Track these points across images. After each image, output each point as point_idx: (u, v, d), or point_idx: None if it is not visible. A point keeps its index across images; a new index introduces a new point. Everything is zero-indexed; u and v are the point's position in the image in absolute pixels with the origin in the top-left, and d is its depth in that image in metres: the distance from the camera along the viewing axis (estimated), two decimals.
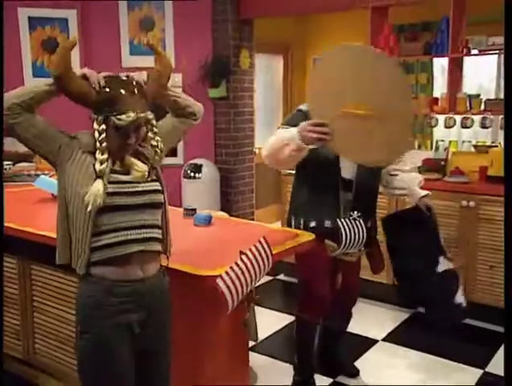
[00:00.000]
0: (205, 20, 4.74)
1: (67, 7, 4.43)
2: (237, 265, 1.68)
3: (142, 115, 1.55)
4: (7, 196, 3.05)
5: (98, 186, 1.51)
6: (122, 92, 1.53)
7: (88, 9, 4.51)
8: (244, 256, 1.70)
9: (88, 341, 1.59)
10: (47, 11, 4.44)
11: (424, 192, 2.54)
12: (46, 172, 3.43)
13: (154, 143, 1.65)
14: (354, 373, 2.83)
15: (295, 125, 2.26)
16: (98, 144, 1.54)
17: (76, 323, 1.64)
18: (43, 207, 2.81)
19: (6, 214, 2.43)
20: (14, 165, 3.76)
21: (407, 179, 2.56)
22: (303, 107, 2.41)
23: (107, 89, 1.54)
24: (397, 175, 2.55)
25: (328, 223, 2.38)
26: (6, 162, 3.70)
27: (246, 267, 1.69)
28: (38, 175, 3.41)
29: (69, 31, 4.48)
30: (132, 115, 1.52)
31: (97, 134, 1.54)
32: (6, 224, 2.35)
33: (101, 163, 1.54)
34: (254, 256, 1.73)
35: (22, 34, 4.44)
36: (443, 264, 2.44)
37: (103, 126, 1.53)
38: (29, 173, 3.62)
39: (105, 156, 1.55)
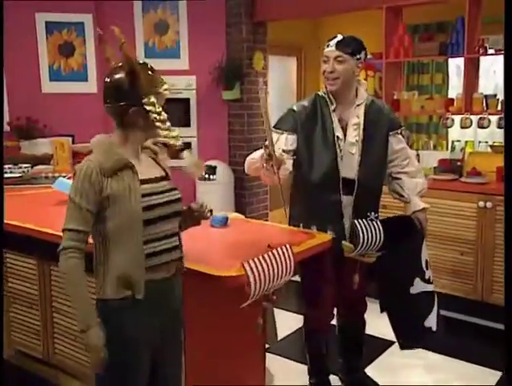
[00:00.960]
0: (219, 23, 4.77)
1: (83, 11, 4.49)
2: (264, 258, 1.69)
3: None
4: (27, 198, 3.11)
5: (190, 157, 1.59)
6: (149, 69, 1.61)
7: (103, 12, 4.57)
8: (270, 253, 1.72)
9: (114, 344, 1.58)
10: (63, 16, 4.51)
11: (421, 206, 2.40)
12: (64, 174, 3.47)
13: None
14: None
15: (286, 128, 2.29)
16: (161, 124, 1.58)
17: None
18: (62, 208, 2.82)
19: (25, 215, 2.48)
20: (32, 167, 3.81)
21: (408, 186, 2.42)
22: (295, 107, 2.37)
23: (149, 72, 1.59)
24: (399, 179, 2.44)
25: (330, 228, 2.32)
26: (24, 165, 3.75)
27: (271, 262, 1.71)
28: (56, 177, 3.45)
29: (85, 35, 4.54)
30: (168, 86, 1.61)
31: (156, 116, 1.57)
32: (25, 225, 2.39)
33: (176, 139, 1.62)
34: (280, 256, 1.74)
35: (39, 39, 4.51)
36: (418, 287, 2.31)
37: (158, 107, 1.57)
38: (47, 175, 3.66)
39: (176, 132, 1.62)
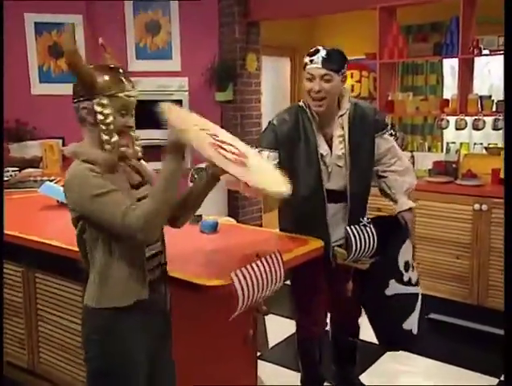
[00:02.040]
0: (212, 23, 4.71)
1: (73, 12, 4.43)
2: (252, 268, 1.64)
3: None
4: (13, 203, 3.03)
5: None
6: (122, 75, 1.56)
7: (94, 13, 4.50)
8: (259, 262, 1.66)
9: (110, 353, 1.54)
10: (53, 16, 4.44)
11: (407, 205, 2.32)
12: (52, 178, 3.40)
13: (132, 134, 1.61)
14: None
15: (267, 145, 2.23)
16: (104, 127, 1.50)
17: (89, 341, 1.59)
18: (48, 214, 2.77)
19: (11, 221, 2.41)
20: (20, 171, 3.74)
21: (394, 185, 2.34)
22: (275, 121, 2.27)
23: (109, 73, 1.55)
24: (386, 177, 2.36)
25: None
26: (12, 168, 3.68)
27: (260, 272, 1.65)
28: (43, 181, 3.39)
29: (75, 36, 4.46)
30: (136, 90, 1.55)
31: (101, 117, 1.50)
32: (10, 232, 2.32)
33: (113, 147, 1.52)
34: (269, 264, 1.69)
35: (28, 40, 4.45)
36: (394, 288, 2.23)
37: (108, 110, 1.50)
38: (35, 179, 3.60)
39: (116, 138, 1.52)
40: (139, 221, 1.42)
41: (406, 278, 2.26)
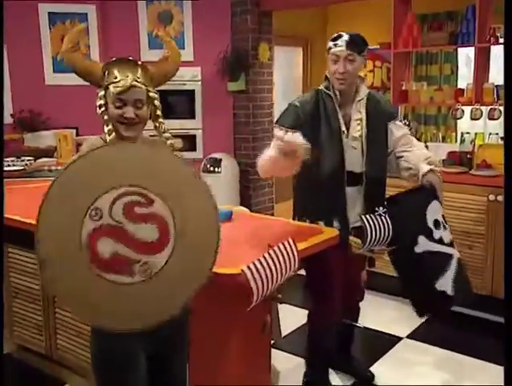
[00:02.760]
0: (224, 13, 4.69)
1: (86, 2, 4.44)
2: (265, 258, 1.64)
3: (139, 84, 1.56)
4: (29, 191, 3.07)
5: None
6: (124, 66, 1.58)
7: (107, 3, 4.50)
8: (272, 251, 1.66)
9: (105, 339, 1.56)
10: (66, 6, 4.45)
11: (428, 167, 2.32)
12: None
13: (157, 124, 1.65)
14: (368, 377, 2.74)
15: (289, 124, 2.25)
16: (101, 118, 1.58)
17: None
18: None
19: (27, 209, 2.43)
20: (35, 160, 3.77)
21: (413, 157, 2.37)
22: (297, 102, 2.35)
23: (110, 65, 1.60)
24: (403, 157, 2.40)
25: (336, 221, 2.31)
26: (26, 158, 3.72)
27: (273, 261, 1.65)
28: (58, 170, 3.42)
29: (89, 26, 4.48)
30: (128, 81, 1.54)
31: (98, 109, 1.59)
32: (28, 220, 2.35)
33: (109, 134, 1.57)
34: (282, 253, 1.69)
35: (42, 30, 4.45)
36: (423, 245, 2.20)
37: (102, 101, 1.58)
38: (50, 168, 3.63)
39: (110, 126, 1.57)
40: None
41: (436, 236, 2.24)
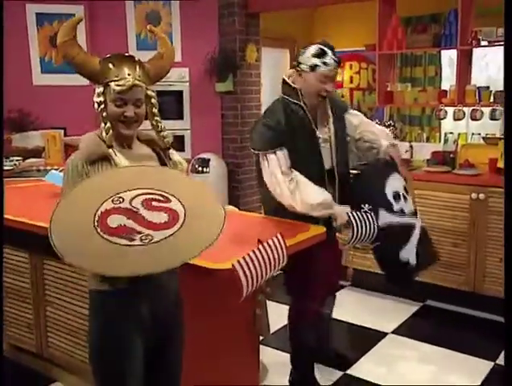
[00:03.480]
0: (212, 14, 4.73)
1: (74, 2, 4.44)
2: (254, 253, 1.68)
3: (140, 83, 1.58)
4: (19, 191, 3.08)
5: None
6: (123, 62, 1.58)
7: (95, 4, 4.52)
8: (261, 246, 1.71)
9: (101, 328, 1.59)
10: (54, 7, 4.45)
11: (388, 142, 2.43)
12: (55, 167, 3.44)
13: (154, 123, 1.68)
14: (343, 362, 2.84)
15: (272, 147, 2.26)
16: (100, 116, 1.58)
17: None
18: (54, 201, 2.80)
19: (18, 208, 2.45)
20: (23, 160, 3.77)
21: (372, 136, 2.46)
22: (268, 121, 2.31)
23: (108, 61, 1.59)
24: (365, 136, 2.48)
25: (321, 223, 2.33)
26: (15, 158, 3.72)
27: (262, 257, 1.70)
28: (47, 170, 3.43)
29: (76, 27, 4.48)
30: (131, 80, 1.55)
31: (96, 106, 1.58)
32: (18, 219, 2.37)
33: (106, 132, 1.57)
34: (271, 248, 1.73)
35: (29, 30, 4.46)
36: (385, 218, 2.28)
37: (101, 98, 1.58)
38: (38, 168, 3.64)
39: (108, 124, 1.58)
40: None
41: (396, 208, 2.32)
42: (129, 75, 1.56)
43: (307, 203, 2.22)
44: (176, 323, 1.71)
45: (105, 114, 1.58)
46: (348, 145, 2.50)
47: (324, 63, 2.23)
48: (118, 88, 1.55)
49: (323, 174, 2.37)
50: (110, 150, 1.58)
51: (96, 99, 1.59)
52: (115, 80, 1.55)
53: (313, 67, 2.24)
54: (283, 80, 2.38)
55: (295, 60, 2.37)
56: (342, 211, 2.24)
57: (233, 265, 1.64)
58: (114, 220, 1.42)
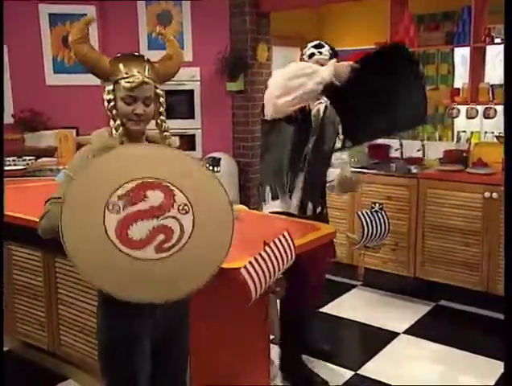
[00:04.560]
0: (223, 13, 4.73)
1: (86, 3, 4.48)
2: (261, 256, 1.67)
3: (149, 80, 1.59)
4: (31, 190, 3.11)
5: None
6: (133, 61, 1.60)
7: (106, 4, 4.54)
8: (268, 248, 1.70)
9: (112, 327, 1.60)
10: (66, 7, 4.50)
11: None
12: (68, 166, 3.47)
13: (159, 122, 1.68)
14: (327, 352, 2.87)
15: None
16: (109, 112, 1.59)
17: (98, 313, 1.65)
18: None
19: (30, 208, 2.47)
20: (36, 160, 3.81)
21: None
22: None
23: (118, 60, 1.60)
24: None
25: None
26: (28, 157, 3.75)
27: (269, 258, 1.69)
28: (59, 170, 3.46)
29: (88, 27, 4.51)
30: (140, 77, 1.57)
31: (106, 104, 1.59)
32: (31, 218, 2.39)
33: (116, 129, 1.58)
34: (278, 248, 1.72)
35: (42, 31, 4.50)
36: None
37: (111, 96, 1.59)
38: (51, 167, 3.67)
39: (118, 122, 1.59)
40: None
41: None
42: (138, 72, 1.57)
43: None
44: (182, 321, 1.72)
45: (114, 112, 1.59)
46: (330, 145, 2.58)
47: (320, 52, 2.49)
48: (128, 85, 1.56)
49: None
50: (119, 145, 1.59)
51: (105, 96, 1.60)
52: (125, 78, 1.56)
53: (310, 55, 2.51)
54: None
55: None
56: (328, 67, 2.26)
57: (240, 273, 1.63)
58: (138, 229, 1.39)
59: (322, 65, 2.39)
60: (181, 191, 1.42)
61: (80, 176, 1.42)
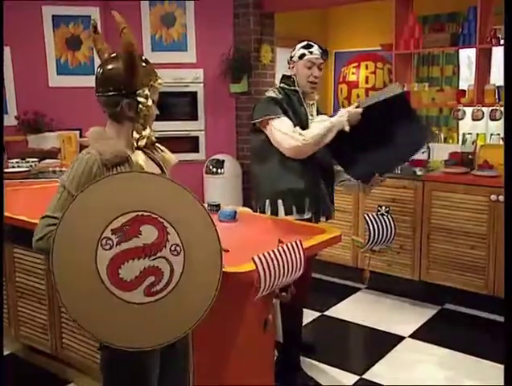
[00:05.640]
0: (227, 14, 4.72)
1: (89, 5, 4.47)
2: (274, 253, 1.66)
3: None
4: (34, 192, 3.10)
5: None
6: (143, 62, 1.59)
7: (110, 5, 4.53)
8: (281, 248, 1.69)
9: None
10: (70, 9, 4.49)
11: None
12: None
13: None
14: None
15: (279, 112, 2.42)
16: (143, 119, 1.56)
17: None
18: None
19: (32, 210, 2.46)
20: (39, 162, 3.80)
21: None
22: (272, 95, 2.53)
23: (144, 64, 1.59)
24: None
25: (309, 214, 2.48)
26: (31, 159, 3.74)
27: (281, 257, 1.68)
28: (62, 172, 3.45)
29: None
30: (160, 78, 1.59)
31: (144, 108, 1.55)
32: (34, 220, 2.37)
33: (149, 139, 1.58)
34: (290, 251, 1.71)
35: (46, 32, 4.49)
36: None
37: (150, 101, 1.55)
38: (54, 169, 3.65)
39: (148, 131, 1.57)
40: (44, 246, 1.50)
41: None
42: (158, 76, 1.60)
43: (315, 133, 2.38)
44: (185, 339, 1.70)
45: (151, 117, 1.58)
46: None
47: (310, 52, 2.52)
48: (161, 87, 1.58)
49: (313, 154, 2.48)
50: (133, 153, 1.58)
51: (145, 101, 1.54)
52: (157, 80, 1.58)
53: (301, 56, 2.53)
54: (283, 74, 2.63)
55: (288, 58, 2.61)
56: (342, 117, 2.37)
57: (252, 259, 1.62)
58: (130, 268, 1.32)
59: (313, 64, 2.48)
60: (174, 228, 1.34)
61: (76, 204, 1.35)
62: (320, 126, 2.41)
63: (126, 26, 1.51)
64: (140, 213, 1.33)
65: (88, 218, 1.34)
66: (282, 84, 2.59)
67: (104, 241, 1.31)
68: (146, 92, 1.54)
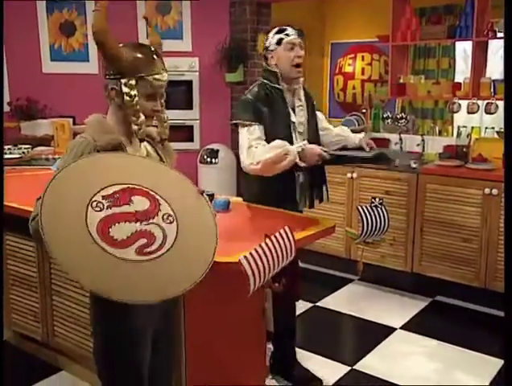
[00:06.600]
0: (223, 3, 4.68)
1: None
2: (261, 248, 1.65)
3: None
4: (26, 179, 3.07)
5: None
6: (154, 56, 1.54)
7: None
8: (268, 241, 1.67)
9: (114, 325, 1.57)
10: None
11: (361, 135, 2.64)
12: (63, 160, 3.43)
13: (163, 115, 1.63)
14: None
15: (251, 119, 2.33)
16: (129, 109, 1.51)
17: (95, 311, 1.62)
18: None
19: (24, 197, 2.44)
20: (32, 149, 3.76)
21: (338, 130, 2.67)
22: (249, 96, 2.41)
23: (139, 54, 1.52)
24: (329, 129, 2.64)
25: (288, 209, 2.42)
26: (23, 146, 3.71)
27: (270, 251, 1.66)
28: (55, 159, 3.42)
29: (86, 14, 4.46)
30: (166, 75, 1.54)
31: (128, 98, 1.50)
32: (25, 207, 2.36)
33: (140, 127, 1.53)
34: (278, 242, 1.69)
35: (39, 18, 4.44)
36: None
37: (135, 91, 1.50)
38: (47, 157, 3.62)
39: (142, 118, 1.53)
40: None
41: None
42: (163, 70, 1.53)
43: (267, 157, 2.23)
44: (176, 309, 1.72)
45: (138, 107, 1.52)
46: (318, 131, 2.59)
47: (286, 35, 2.41)
48: (158, 84, 1.52)
49: None
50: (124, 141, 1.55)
51: (128, 91, 1.50)
52: (153, 74, 1.51)
53: (278, 41, 2.41)
54: (265, 69, 2.48)
55: (263, 51, 2.50)
56: (298, 148, 2.26)
57: (239, 261, 1.61)
58: (121, 229, 1.34)
59: (294, 44, 2.37)
60: (166, 202, 1.36)
61: (65, 172, 1.35)
62: (277, 151, 2.22)
63: (99, 9, 1.48)
64: (131, 186, 1.34)
65: (79, 183, 1.35)
66: (265, 80, 2.45)
67: (94, 204, 1.33)
68: (132, 81, 1.49)
